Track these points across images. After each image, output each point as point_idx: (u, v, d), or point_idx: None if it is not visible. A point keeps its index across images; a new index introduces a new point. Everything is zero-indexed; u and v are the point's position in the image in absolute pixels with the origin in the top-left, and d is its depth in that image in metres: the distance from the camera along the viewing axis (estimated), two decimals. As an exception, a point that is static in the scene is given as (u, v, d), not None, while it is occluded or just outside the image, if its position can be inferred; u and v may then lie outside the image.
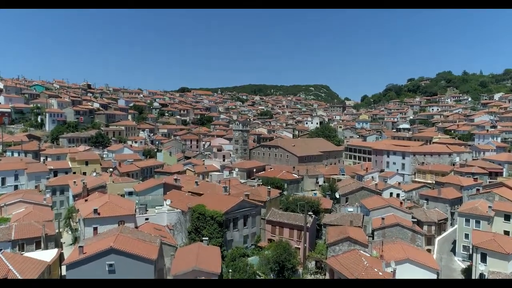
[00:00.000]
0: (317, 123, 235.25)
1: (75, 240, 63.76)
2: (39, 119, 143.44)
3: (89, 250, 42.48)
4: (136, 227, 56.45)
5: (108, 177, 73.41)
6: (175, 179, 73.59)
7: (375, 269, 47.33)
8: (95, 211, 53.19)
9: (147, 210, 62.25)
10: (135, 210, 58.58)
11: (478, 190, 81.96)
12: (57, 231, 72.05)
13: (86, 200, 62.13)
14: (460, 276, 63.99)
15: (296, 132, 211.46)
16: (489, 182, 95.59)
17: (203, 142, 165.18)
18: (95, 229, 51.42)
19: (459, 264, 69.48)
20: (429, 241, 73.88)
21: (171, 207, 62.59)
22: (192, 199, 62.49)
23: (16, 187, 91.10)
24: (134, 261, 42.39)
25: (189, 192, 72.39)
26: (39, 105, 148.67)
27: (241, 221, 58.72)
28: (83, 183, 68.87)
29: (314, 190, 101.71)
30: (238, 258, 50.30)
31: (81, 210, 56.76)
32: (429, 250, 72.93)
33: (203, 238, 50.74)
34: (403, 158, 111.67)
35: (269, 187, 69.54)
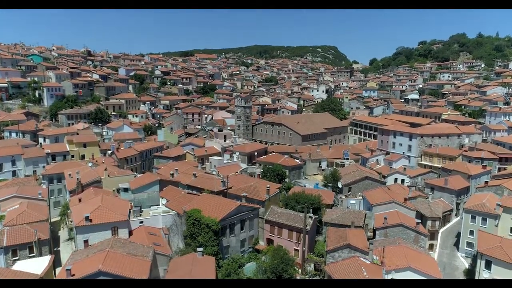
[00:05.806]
0: (323, 91, 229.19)
1: (71, 239, 62.98)
2: (37, 94, 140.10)
3: (77, 271, 41.09)
4: (130, 231, 55.17)
5: (103, 171, 71.21)
6: (172, 174, 71.29)
7: (375, 281, 45.83)
8: (87, 218, 51.45)
9: (142, 211, 60.52)
10: (129, 213, 56.88)
11: (486, 182, 78.67)
12: (53, 220, 71.72)
13: (80, 200, 60.34)
14: (462, 277, 62.66)
15: (301, 102, 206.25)
16: (498, 169, 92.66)
17: (206, 115, 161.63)
18: (86, 241, 49.77)
19: (462, 261, 68.03)
20: (433, 235, 71.93)
21: (166, 208, 60.81)
22: (189, 199, 60.45)
23: (14, 172, 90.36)
24: (124, 282, 41.10)
25: (186, 185, 70.63)
26: (36, 79, 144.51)
27: (238, 225, 56.79)
28: (78, 179, 67.02)
29: (316, 174, 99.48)
30: (234, 272, 48.79)
31: (73, 214, 55.21)
32: (431, 245, 71.47)
33: (198, 249, 49.09)
34: (410, 139, 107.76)
35: (268, 186, 66.96)
